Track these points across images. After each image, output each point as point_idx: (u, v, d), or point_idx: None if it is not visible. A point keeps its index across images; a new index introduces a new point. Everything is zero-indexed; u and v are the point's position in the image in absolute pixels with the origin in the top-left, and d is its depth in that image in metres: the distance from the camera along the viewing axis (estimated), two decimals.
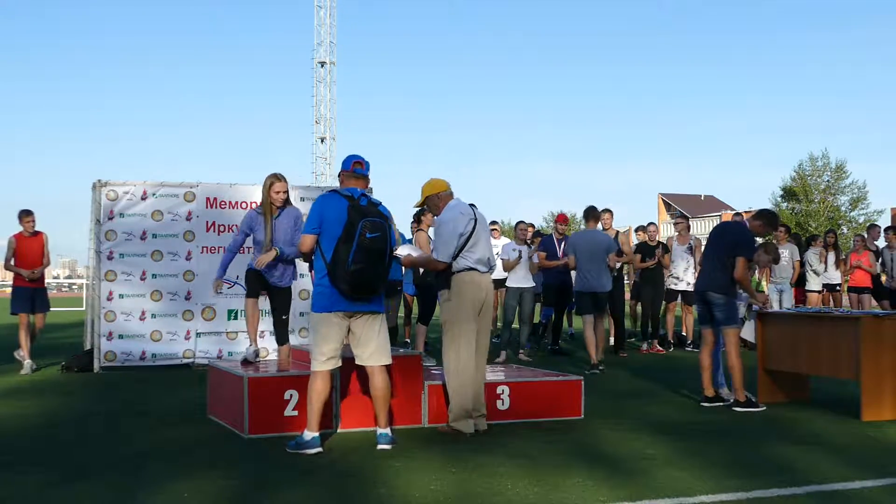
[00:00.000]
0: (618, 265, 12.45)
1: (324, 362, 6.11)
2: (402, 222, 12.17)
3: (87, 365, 11.06)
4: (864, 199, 61.99)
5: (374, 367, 6.27)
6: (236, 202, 11.56)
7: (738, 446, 6.30)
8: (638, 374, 10.69)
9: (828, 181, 62.48)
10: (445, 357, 6.77)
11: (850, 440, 6.57)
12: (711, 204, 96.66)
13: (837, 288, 15.09)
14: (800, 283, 14.61)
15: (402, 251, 7.16)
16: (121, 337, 11.21)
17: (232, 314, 11.49)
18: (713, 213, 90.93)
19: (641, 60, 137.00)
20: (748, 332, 8.59)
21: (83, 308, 19.77)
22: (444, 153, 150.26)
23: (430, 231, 10.81)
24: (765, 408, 7.98)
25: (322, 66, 57.88)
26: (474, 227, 6.80)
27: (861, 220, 59.67)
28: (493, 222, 16.16)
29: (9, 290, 13.35)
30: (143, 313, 11.28)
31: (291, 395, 6.68)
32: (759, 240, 8.60)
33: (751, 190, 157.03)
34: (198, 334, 11.41)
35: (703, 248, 12.68)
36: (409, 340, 13.53)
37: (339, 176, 6.50)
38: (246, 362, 7.59)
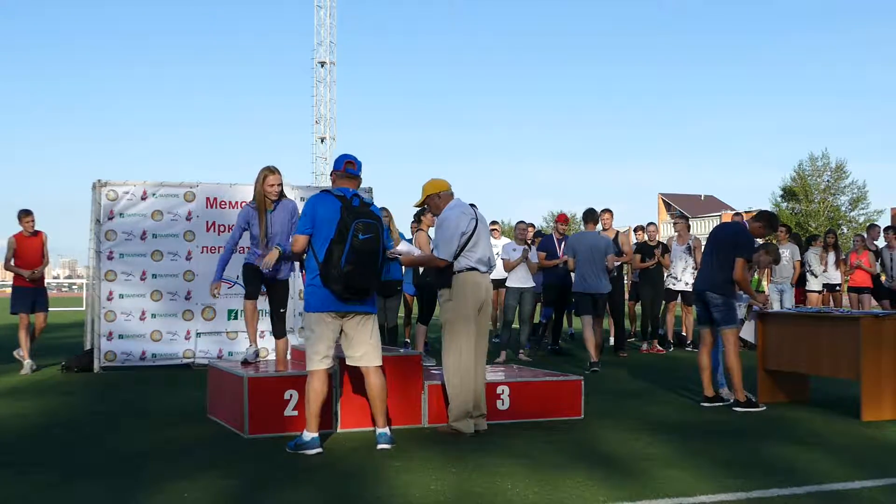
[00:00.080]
0: (616, 264, 12.45)
1: (319, 361, 6.11)
2: (403, 222, 12.19)
3: (87, 365, 11.06)
4: (864, 199, 62.02)
5: (369, 367, 6.28)
6: (236, 202, 11.56)
7: (738, 446, 6.30)
8: (638, 374, 10.69)
9: (828, 181, 62.48)
10: (445, 357, 6.77)
11: (850, 440, 6.57)
12: (711, 204, 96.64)
13: (837, 288, 15.08)
14: (800, 282, 14.61)
15: (401, 248, 7.15)
16: (121, 337, 11.21)
17: (232, 314, 11.50)
18: (713, 213, 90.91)
19: (641, 60, 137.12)
20: (748, 332, 8.59)
21: (83, 308, 19.78)
22: (444, 153, 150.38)
23: (431, 231, 10.82)
24: (765, 408, 7.98)
25: (322, 66, 57.85)
26: (476, 227, 6.81)
27: (861, 220, 59.67)
28: (494, 222, 16.16)
29: (9, 290, 13.34)
30: (143, 313, 11.29)
31: (291, 395, 6.68)
32: (760, 241, 8.59)
33: (751, 190, 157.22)
34: (198, 334, 11.41)
35: (702, 248, 12.72)
36: (409, 340, 13.53)
37: (330, 175, 6.48)
38: (246, 362, 7.58)
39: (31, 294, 11.34)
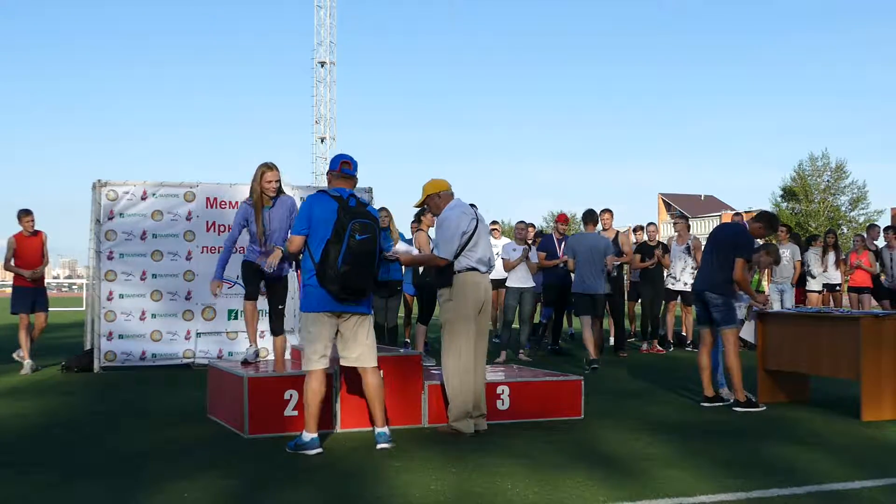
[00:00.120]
0: (616, 264, 12.46)
1: (317, 361, 6.10)
2: (403, 222, 12.19)
3: (87, 365, 11.06)
4: (864, 199, 62.02)
5: (365, 368, 6.28)
6: (236, 202, 11.53)
7: (738, 446, 6.30)
8: (638, 374, 10.69)
9: (828, 181, 62.48)
10: (445, 357, 6.77)
11: (850, 440, 6.57)
12: (711, 204, 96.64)
13: (837, 288, 15.08)
14: (800, 282, 14.61)
15: (399, 248, 7.15)
16: (121, 337, 11.21)
17: (232, 314, 11.50)
18: (713, 213, 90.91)
19: (641, 60, 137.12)
20: (748, 332, 8.59)
21: (83, 308, 19.78)
22: (444, 153, 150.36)
23: (431, 231, 10.82)
24: (765, 408, 7.98)
25: (322, 66, 57.84)
26: (476, 227, 6.82)
27: (861, 220, 59.67)
28: (494, 222, 16.18)
29: (9, 290, 13.35)
30: (143, 313, 11.29)
31: (291, 395, 6.68)
32: (760, 241, 8.59)
33: (751, 190, 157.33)
34: (198, 334, 11.41)
35: (702, 248, 12.71)
36: (409, 340, 13.53)
37: (326, 175, 6.47)
38: (246, 362, 7.58)
39: (31, 294, 11.34)
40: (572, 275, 11.93)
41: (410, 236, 11.72)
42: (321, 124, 57.92)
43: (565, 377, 7.75)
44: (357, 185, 6.46)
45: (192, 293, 11.42)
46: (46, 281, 12.10)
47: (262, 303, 8.15)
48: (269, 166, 7.72)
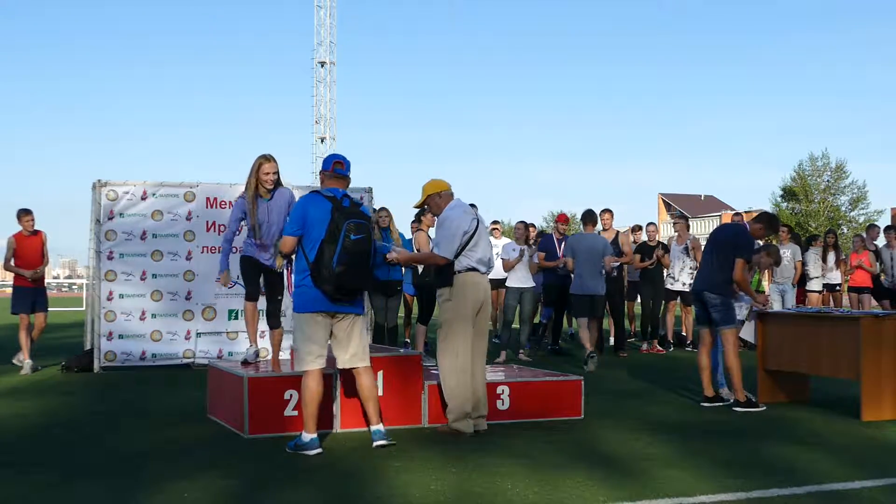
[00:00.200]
0: (615, 265, 12.46)
1: (312, 361, 6.10)
2: (402, 222, 12.19)
3: (87, 365, 11.06)
4: (864, 199, 62.01)
5: (359, 368, 6.29)
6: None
7: (738, 446, 6.30)
8: (638, 374, 10.69)
9: (828, 181, 62.47)
10: (441, 357, 6.75)
11: (850, 440, 6.57)
12: (711, 204, 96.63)
13: (837, 288, 15.09)
14: (801, 282, 14.61)
15: (392, 256, 7.14)
16: (121, 337, 11.21)
17: (232, 314, 11.49)
18: (713, 213, 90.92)
19: (641, 60, 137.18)
20: (748, 332, 8.59)
21: (83, 308, 19.78)
22: (444, 153, 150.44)
23: (431, 231, 10.82)
24: (765, 408, 7.98)
25: (322, 66, 57.81)
26: (477, 227, 6.82)
27: (861, 220, 59.66)
28: (495, 222, 16.19)
29: (9, 290, 13.36)
30: (143, 313, 11.29)
31: (291, 395, 6.67)
32: (760, 242, 8.59)
33: (751, 190, 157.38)
34: (198, 334, 11.41)
35: (701, 248, 12.71)
36: (409, 340, 13.53)
37: (319, 175, 6.45)
38: (246, 363, 7.58)
39: (31, 294, 11.34)
40: (572, 275, 11.93)
41: (410, 236, 11.72)
42: (321, 124, 57.92)
43: (565, 377, 7.75)
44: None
45: (192, 293, 11.42)
46: (46, 281, 12.10)
47: (263, 303, 8.15)
48: (267, 158, 7.63)
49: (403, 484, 5.14)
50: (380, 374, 6.90)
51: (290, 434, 6.43)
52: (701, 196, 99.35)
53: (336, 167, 6.29)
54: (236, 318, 11.43)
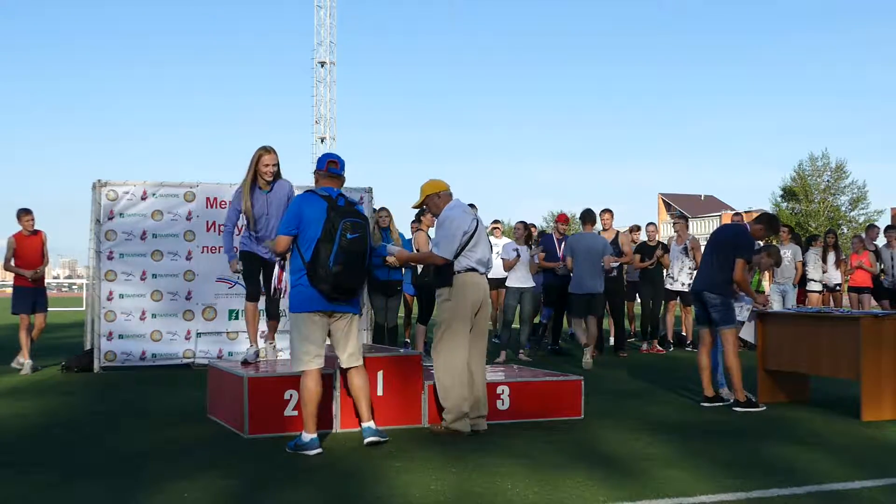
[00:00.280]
0: (615, 265, 12.46)
1: (310, 361, 6.10)
2: (402, 222, 12.19)
3: (87, 365, 11.06)
4: (864, 199, 62.02)
5: (354, 367, 6.31)
6: None
7: (738, 446, 6.30)
8: (638, 374, 10.69)
9: (828, 181, 62.47)
10: (437, 356, 6.74)
11: (850, 440, 6.57)
12: (711, 204, 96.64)
13: (837, 288, 15.08)
14: (801, 283, 14.60)
15: (392, 250, 7.13)
16: (121, 337, 11.21)
17: (232, 314, 11.49)
18: (713, 213, 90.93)
19: (641, 60, 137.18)
20: (748, 332, 8.59)
21: (83, 308, 19.78)
22: (444, 153, 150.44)
23: (431, 231, 10.81)
24: (765, 408, 7.98)
25: (322, 66, 57.79)
26: (476, 227, 6.82)
27: (861, 220, 59.67)
28: (496, 221, 16.19)
29: (9, 290, 13.36)
30: (143, 313, 11.28)
31: (291, 395, 6.67)
32: (761, 243, 8.59)
33: (751, 190, 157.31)
34: (198, 334, 11.41)
35: (700, 248, 12.71)
36: (409, 340, 13.53)
37: (314, 175, 6.44)
38: (246, 363, 7.58)
39: (31, 294, 11.34)
40: (571, 275, 11.94)
41: (410, 236, 11.72)
42: (321, 124, 57.91)
43: (565, 377, 7.75)
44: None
45: (192, 293, 11.41)
46: (46, 281, 12.10)
47: (262, 303, 8.15)
48: (267, 149, 7.62)
49: (403, 484, 5.14)
50: (380, 374, 6.90)
51: (290, 434, 6.43)
52: (701, 196, 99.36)
53: (330, 166, 6.29)
54: (236, 318, 11.43)
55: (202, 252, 11.46)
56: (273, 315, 7.98)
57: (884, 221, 56.08)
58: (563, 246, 12.59)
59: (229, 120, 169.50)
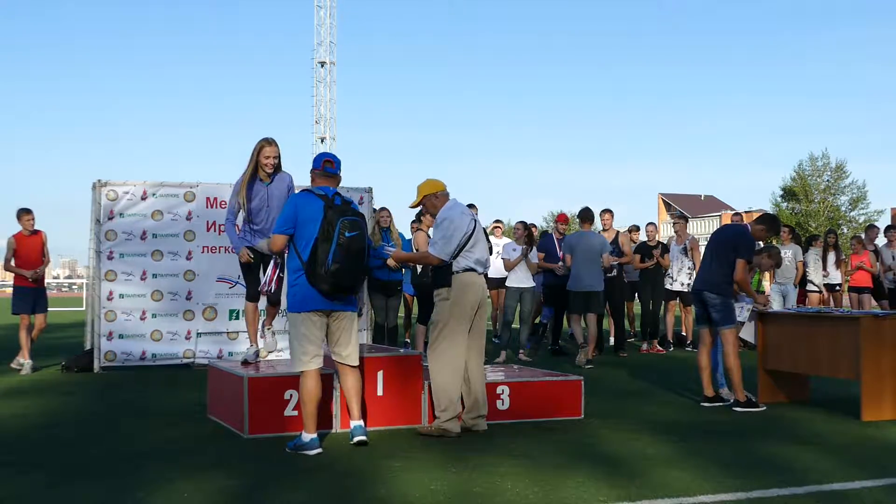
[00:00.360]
0: (614, 264, 12.46)
1: (309, 361, 6.10)
2: (402, 222, 12.20)
3: (87, 365, 11.06)
4: (863, 199, 62.07)
5: (351, 366, 6.33)
6: None
7: (738, 446, 6.30)
8: (638, 374, 10.69)
9: (828, 181, 62.51)
10: (433, 355, 6.72)
11: (850, 440, 6.57)
12: (711, 204, 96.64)
13: (837, 288, 15.08)
14: (801, 283, 14.60)
15: (390, 263, 7.10)
16: (121, 337, 11.20)
17: (233, 314, 11.49)
18: (713, 213, 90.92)
19: (641, 60, 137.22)
20: (748, 332, 8.59)
21: (83, 308, 19.78)
22: (444, 153, 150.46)
23: (431, 231, 10.81)
24: (765, 408, 7.98)
25: (322, 66, 57.76)
26: (475, 227, 6.82)
27: (861, 220, 59.71)
28: (498, 221, 16.19)
29: (9, 290, 13.36)
30: (143, 313, 11.28)
31: (291, 395, 6.67)
32: (762, 244, 8.59)
33: (751, 190, 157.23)
34: (198, 334, 11.40)
35: (699, 248, 12.72)
36: (408, 340, 13.52)
37: (310, 174, 6.44)
38: (246, 362, 7.58)
39: (31, 294, 11.34)
40: (570, 272, 11.94)
41: (410, 236, 11.72)
42: (321, 124, 57.89)
43: (565, 377, 7.75)
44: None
45: (192, 293, 11.41)
46: (46, 281, 12.09)
47: (263, 303, 8.15)
48: (268, 141, 7.54)
49: (403, 484, 5.14)
50: (380, 374, 6.90)
51: (290, 434, 6.43)
52: (701, 196, 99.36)
53: (326, 165, 6.29)
54: (237, 318, 11.43)
55: (202, 252, 11.46)
56: (273, 301, 7.89)
57: (884, 221, 56.10)
58: (561, 245, 12.59)
59: (229, 120, 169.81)
